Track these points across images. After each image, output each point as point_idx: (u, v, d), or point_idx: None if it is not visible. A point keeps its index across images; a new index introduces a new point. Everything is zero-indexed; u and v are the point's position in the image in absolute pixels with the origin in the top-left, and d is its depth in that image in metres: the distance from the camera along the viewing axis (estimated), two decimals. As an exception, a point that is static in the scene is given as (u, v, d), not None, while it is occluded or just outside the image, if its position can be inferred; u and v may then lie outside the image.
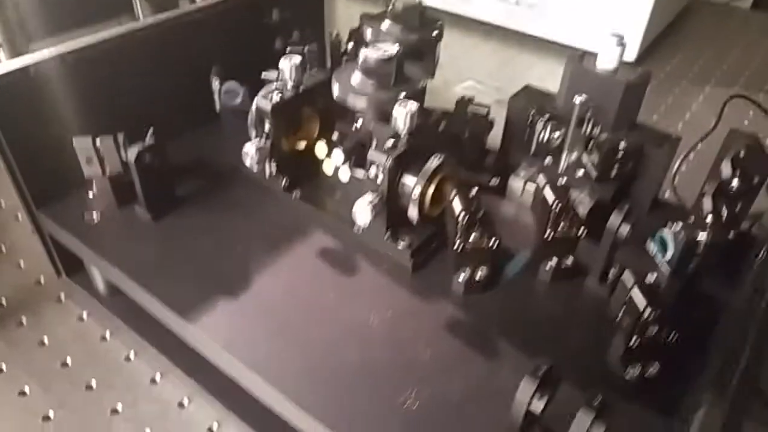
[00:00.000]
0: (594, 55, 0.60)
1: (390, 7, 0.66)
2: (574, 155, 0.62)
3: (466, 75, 1.09)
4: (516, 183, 0.64)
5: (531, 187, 0.63)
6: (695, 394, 0.42)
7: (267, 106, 0.57)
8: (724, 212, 0.54)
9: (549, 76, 1.12)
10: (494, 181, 0.65)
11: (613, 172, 0.60)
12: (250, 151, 0.58)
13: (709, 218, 0.53)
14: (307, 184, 0.63)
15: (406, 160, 0.52)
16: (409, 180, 0.53)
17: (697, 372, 0.45)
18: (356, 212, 0.53)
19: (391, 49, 0.57)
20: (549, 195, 0.52)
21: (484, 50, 1.20)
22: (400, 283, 0.54)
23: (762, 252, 0.42)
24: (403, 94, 0.56)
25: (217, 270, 0.55)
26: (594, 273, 0.54)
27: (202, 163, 0.68)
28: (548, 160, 0.64)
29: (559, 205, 0.52)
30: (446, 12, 1.28)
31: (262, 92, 0.59)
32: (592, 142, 0.61)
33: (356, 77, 0.57)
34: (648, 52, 1.21)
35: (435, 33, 0.67)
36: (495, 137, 0.67)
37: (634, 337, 0.43)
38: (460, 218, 0.50)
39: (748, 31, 1.39)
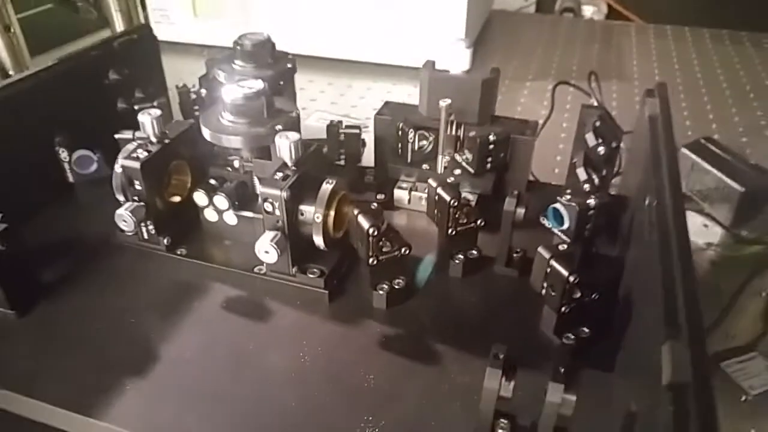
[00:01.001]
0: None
1: (237, 47, 0.65)
2: (447, 157, 0.64)
3: (312, 108, 1.09)
4: (401, 193, 0.65)
5: (416, 194, 0.64)
6: (630, 345, 0.45)
7: (135, 164, 0.52)
8: (595, 178, 0.59)
9: (388, 96, 1.17)
10: (380, 197, 0.65)
11: (488, 165, 0.63)
12: (124, 214, 0.52)
13: (587, 186, 0.58)
14: (190, 238, 0.58)
15: (300, 190, 0.51)
16: (307, 208, 0.51)
17: (621, 325, 0.48)
18: (261, 253, 0.50)
19: (257, 84, 0.55)
20: (445, 195, 0.53)
21: (321, 83, 1.21)
22: (320, 314, 0.52)
23: (647, 198, 0.47)
24: (279, 126, 0.54)
25: (113, 352, 0.49)
26: (499, 259, 0.56)
27: (65, 240, 0.60)
28: (425, 166, 0.66)
29: (456, 202, 0.53)
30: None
31: (123, 153, 0.54)
32: (459, 142, 0.65)
33: (226, 118, 0.55)
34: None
35: (289, 65, 0.66)
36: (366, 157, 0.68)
37: (564, 304, 0.46)
38: (370, 233, 0.49)
39: (542, 31, 1.56)
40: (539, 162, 0.78)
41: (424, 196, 0.63)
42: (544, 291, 0.47)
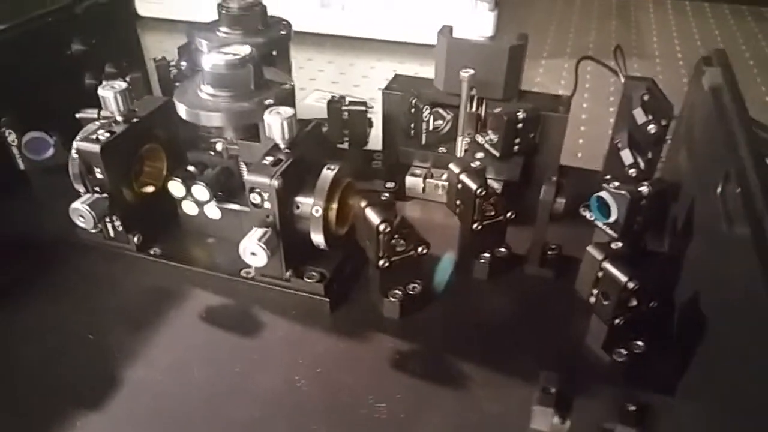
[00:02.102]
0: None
1: (222, 11, 0.55)
2: (468, 138, 0.55)
3: (310, 88, 1.00)
4: (415, 181, 0.56)
5: (432, 182, 0.56)
6: (707, 365, 0.36)
7: (94, 148, 0.43)
8: (641, 162, 0.50)
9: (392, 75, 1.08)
10: (390, 185, 0.56)
11: (516, 147, 0.54)
12: (82, 209, 0.43)
13: (632, 171, 0.49)
14: (165, 236, 0.50)
15: (295, 177, 0.42)
16: (304, 200, 0.42)
17: (684, 336, 0.39)
18: (246, 256, 0.41)
19: (242, 50, 0.46)
20: (470, 182, 0.45)
21: (320, 61, 1.12)
22: (320, 326, 0.43)
23: (720, 185, 0.39)
24: (269, 101, 0.45)
25: (65, 376, 0.40)
26: (532, 257, 0.47)
27: (15, 239, 0.51)
28: (442, 149, 0.57)
29: (483, 191, 0.44)
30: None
31: (81, 134, 0.45)
32: (481, 121, 0.56)
33: (206, 91, 0.46)
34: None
35: (283, 32, 0.57)
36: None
37: (618, 315, 0.37)
38: (381, 230, 0.40)
39: (555, 6, 1.46)
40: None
41: (441, 183, 0.55)
42: (593, 299, 0.39)
